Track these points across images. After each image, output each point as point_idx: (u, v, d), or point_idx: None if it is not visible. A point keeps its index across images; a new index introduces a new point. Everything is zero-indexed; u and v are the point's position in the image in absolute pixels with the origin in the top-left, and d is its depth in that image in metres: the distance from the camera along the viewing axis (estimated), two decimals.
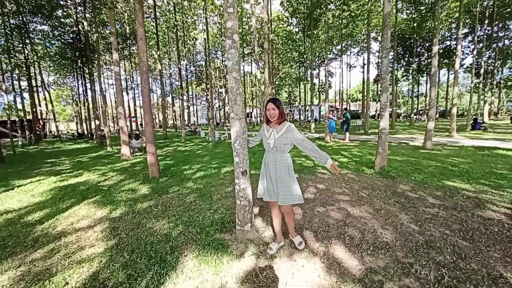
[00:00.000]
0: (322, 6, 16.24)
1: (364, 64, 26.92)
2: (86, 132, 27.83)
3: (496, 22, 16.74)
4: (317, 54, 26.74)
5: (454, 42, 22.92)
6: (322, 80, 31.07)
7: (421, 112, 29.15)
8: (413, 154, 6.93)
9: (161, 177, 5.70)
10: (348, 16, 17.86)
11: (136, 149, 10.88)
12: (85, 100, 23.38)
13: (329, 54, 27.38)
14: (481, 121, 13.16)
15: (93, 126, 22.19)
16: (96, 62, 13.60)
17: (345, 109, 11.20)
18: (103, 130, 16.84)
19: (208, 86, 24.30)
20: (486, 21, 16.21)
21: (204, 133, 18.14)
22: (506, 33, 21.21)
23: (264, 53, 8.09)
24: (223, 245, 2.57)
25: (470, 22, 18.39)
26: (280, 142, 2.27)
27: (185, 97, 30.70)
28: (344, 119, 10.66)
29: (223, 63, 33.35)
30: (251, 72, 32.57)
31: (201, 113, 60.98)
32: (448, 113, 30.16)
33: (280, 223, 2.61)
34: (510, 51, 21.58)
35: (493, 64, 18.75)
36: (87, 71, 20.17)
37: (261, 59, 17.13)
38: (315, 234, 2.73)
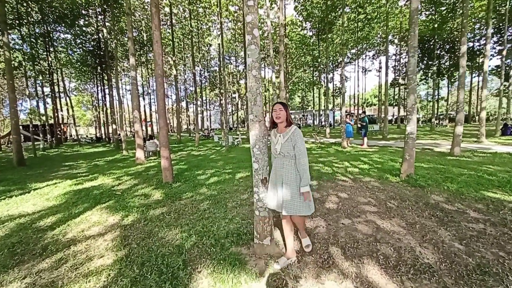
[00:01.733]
0: (337, 10, 15.96)
1: (380, 67, 26.23)
2: (104, 136, 28.67)
3: None
4: (331, 58, 26.30)
5: (477, 44, 21.85)
6: (336, 84, 30.52)
7: (441, 116, 27.86)
8: (440, 161, 6.42)
9: (174, 182, 5.56)
10: (364, 19, 17.44)
11: (150, 153, 10.93)
12: (104, 105, 24.13)
13: (344, 58, 26.88)
14: (511, 126, 12.25)
15: (110, 130, 22.79)
16: (114, 68, 13.97)
17: (363, 112, 10.74)
18: (119, 134, 17.21)
19: (222, 91, 24.48)
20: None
21: (217, 138, 18.12)
22: None
23: (280, 55, 7.90)
24: (240, 261, 2.33)
25: (496, 22, 17.39)
26: (287, 147, 2.16)
27: (199, 102, 31.09)
28: (363, 124, 10.20)
29: (237, 68, 33.57)
30: (265, 77, 32.53)
31: (214, 118, 61.64)
32: (472, 118, 28.64)
33: (293, 239, 2.44)
34: None
35: None
36: (106, 78, 20.85)
37: (275, 63, 17.03)
38: (343, 250, 2.43)
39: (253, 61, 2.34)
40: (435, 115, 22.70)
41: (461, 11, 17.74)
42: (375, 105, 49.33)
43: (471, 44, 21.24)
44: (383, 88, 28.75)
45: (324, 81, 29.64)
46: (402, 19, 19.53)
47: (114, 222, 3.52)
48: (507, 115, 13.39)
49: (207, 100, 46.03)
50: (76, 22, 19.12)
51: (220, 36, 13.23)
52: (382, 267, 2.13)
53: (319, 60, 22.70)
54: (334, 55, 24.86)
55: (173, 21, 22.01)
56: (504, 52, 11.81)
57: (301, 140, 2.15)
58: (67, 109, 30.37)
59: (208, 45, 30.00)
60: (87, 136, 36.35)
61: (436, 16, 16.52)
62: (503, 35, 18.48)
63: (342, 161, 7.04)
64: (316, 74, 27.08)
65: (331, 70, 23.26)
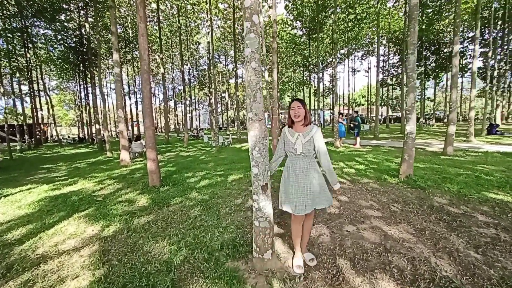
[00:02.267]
0: (328, 9, 15.93)
1: (369, 68, 26.56)
2: (87, 137, 27.49)
3: (507, 25, 16.25)
4: (321, 58, 26.41)
5: (460, 46, 22.47)
6: (326, 84, 30.68)
7: (427, 116, 28.59)
8: (435, 161, 6.37)
9: (162, 185, 5.18)
10: (353, 19, 17.51)
11: (136, 154, 10.40)
12: (87, 104, 23.09)
13: (333, 58, 27.06)
14: (496, 125, 12.58)
15: (94, 130, 21.82)
16: (97, 65, 13.28)
17: (356, 112, 10.68)
18: (103, 135, 16.43)
19: (211, 89, 23.97)
20: (499, 23, 15.75)
21: (207, 138, 17.66)
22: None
23: (273, 53, 7.65)
24: (237, 279, 2.04)
25: (480, 24, 17.95)
26: (309, 147, 2.05)
27: (187, 102, 30.41)
28: (356, 123, 10.12)
29: (226, 67, 33.12)
30: None
31: (203, 118, 60.79)
32: (457, 117, 29.55)
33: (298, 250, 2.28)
34: None
35: (504, 67, 18.23)
36: (89, 75, 19.91)
37: (267, 61, 16.78)
38: (352, 264, 2.19)
39: (253, 51, 2.05)
40: (423, 115, 23.21)
41: (446, 14, 18.21)
42: (363, 105, 50.18)
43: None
44: (372, 88, 29.22)
45: (314, 81, 29.76)
46: (391, 21, 19.79)
47: (93, 234, 3.13)
48: (491, 115, 13.76)
49: (196, 100, 45.25)
50: (57, 17, 18.13)
51: (210, 33, 12.82)
52: (399, 283, 1.90)
53: (309, 59, 22.67)
54: (324, 55, 24.94)
55: (160, 17, 21.34)
56: (490, 53, 12.12)
57: (323, 140, 2.08)
58: (48, 108, 28.94)
59: (197, 43, 29.39)
60: (69, 136, 34.75)
61: (423, 18, 16.81)
62: (485, 38, 19.14)
63: (337, 162, 6.86)
64: (306, 73, 27.09)
65: (321, 70, 23.28)
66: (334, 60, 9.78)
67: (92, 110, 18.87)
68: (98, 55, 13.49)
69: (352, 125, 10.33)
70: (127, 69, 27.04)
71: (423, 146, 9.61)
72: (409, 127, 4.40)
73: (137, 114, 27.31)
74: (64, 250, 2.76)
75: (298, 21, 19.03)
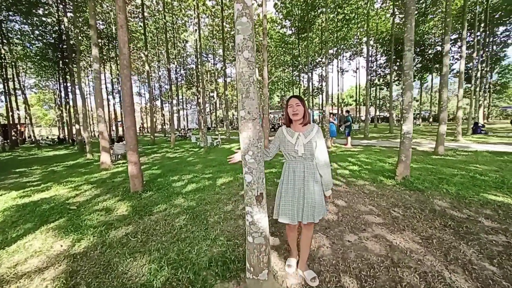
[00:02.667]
0: (317, 9, 15.86)
1: (357, 68, 26.85)
2: (67, 138, 26.19)
3: (488, 28, 16.79)
4: (310, 58, 26.49)
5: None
6: (315, 84, 30.76)
7: (416, 116, 29.28)
8: (427, 161, 6.30)
9: (144, 191, 4.77)
10: (342, 19, 17.55)
11: (119, 156, 9.83)
12: (67, 104, 21.92)
13: (322, 58, 27.15)
14: (481, 125, 12.92)
15: (74, 131, 20.75)
16: (77, 62, 12.52)
17: (347, 111, 10.59)
18: (83, 135, 15.58)
19: (200, 88, 23.41)
20: (482, 25, 16.22)
21: (195, 138, 17.14)
22: (493, 39, 21.49)
23: (263, 50, 7.36)
24: None
25: (461, 27, 18.49)
26: (310, 148, 1.88)
27: (174, 101, 29.63)
28: (348, 123, 10.00)
29: (215, 66, 32.58)
30: None
31: (191, 117, 59.75)
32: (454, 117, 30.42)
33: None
34: (499, 56, 21.98)
35: (485, 69, 18.87)
36: (69, 73, 18.89)
37: (258, 58, 16.48)
38: (359, 282, 1.93)
39: (245, 38, 1.74)
40: (402, 115, 23.67)
41: (431, 16, 18.63)
42: (350, 105, 50.95)
43: (439, 48, 22.40)
44: (360, 88, 29.59)
45: (303, 80, 29.80)
46: (378, 21, 20.03)
47: (61, 250, 2.72)
48: (475, 115, 14.13)
49: (184, 99, 44.28)
50: (34, 11, 17.05)
51: (198, 31, 12.40)
52: None
53: (298, 59, 22.60)
54: (313, 54, 24.95)
55: (146, 14, 20.58)
56: (475, 54, 12.41)
57: (323, 140, 1.93)
58: (25, 108, 27.35)
59: (184, 41, 28.69)
60: (47, 137, 33.02)
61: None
62: (467, 40, 19.71)
63: (330, 162, 6.66)
64: (295, 73, 27.04)
65: (311, 69, 23.29)
66: (325, 59, 9.62)
67: (72, 110, 17.93)
68: (77, 51, 12.73)
69: (345, 125, 10.21)
70: (111, 67, 25.95)
71: (413, 146, 9.62)
72: (406, 127, 4.24)
73: (121, 114, 26.28)
74: (24, 272, 2.35)
75: (287, 20, 18.88)
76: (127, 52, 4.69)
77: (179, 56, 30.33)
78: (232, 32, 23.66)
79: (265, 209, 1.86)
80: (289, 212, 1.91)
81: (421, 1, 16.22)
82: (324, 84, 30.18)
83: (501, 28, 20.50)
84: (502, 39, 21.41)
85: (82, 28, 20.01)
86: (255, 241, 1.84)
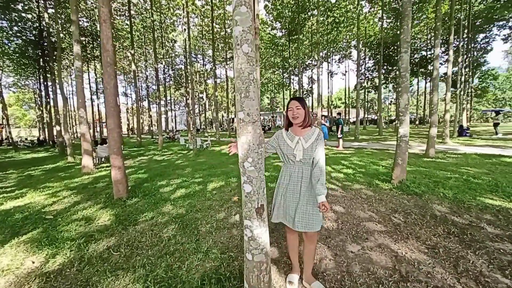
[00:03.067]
0: (307, 11, 15.91)
1: (346, 71, 27.24)
2: (47, 139, 24.95)
3: (470, 34, 17.40)
4: (300, 60, 26.68)
5: (430, 52, 23.86)
6: (304, 87, 30.97)
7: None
8: (420, 164, 6.31)
9: (129, 197, 4.45)
10: (332, 22, 17.70)
11: (103, 159, 9.34)
12: (47, 104, 20.86)
13: (312, 60, 27.38)
14: (466, 128, 13.33)
15: (55, 132, 19.77)
16: (58, 60, 11.87)
17: (339, 114, 10.59)
18: (64, 137, 14.82)
19: (189, 89, 22.95)
20: (465, 31, 16.82)
21: (183, 140, 16.70)
22: (474, 45, 22.40)
23: (255, 50, 7.17)
24: None
25: (445, 33, 19.12)
26: (310, 153, 1.78)
27: (162, 102, 28.91)
28: (340, 125, 9.97)
29: (204, 67, 32.14)
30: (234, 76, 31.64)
31: (179, 119, 58.78)
32: (425, 120, 31.42)
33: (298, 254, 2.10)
34: (479, 62, 22.96)
35: (468, 73, 19.60)
36: (50, 71, 17.97)
37: None
38: None
39: (244, 31, 1.54)
40: (398, 118, 24.22)
41: (416, 22, 19.14)
42: (339, 107, 51.75)
43: (423, 53, 23.14)
44: (349, 91, 30.04)
45: (293, 82, 29.91)
46: (367, 25, 20.36)
47: (33, 268, 2.40)
48: (459, 118, 14.57)
49: (172, 100, 43.38)
50: (12, 6, 16.11)
51: (187, 30, 12.05)
52: None
53: (289, 61, 22.63)
54: (303, 57, 25.09)
55: (132, 12, 19.98)
56: (460, 59, 12.81)
57: (323, 146, 1.82)
58: (1, 108, 25.84)
59: (173, 41, 28.13)
60: (26, 139, 31.34)
61: (397, 24, 17.46)
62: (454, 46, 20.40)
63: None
64: (285, 75, 27.08)
65: (301, 71, 23.40)
66: (316, 60, 9.57)
67: (53, 110, 17.05)
68: (58, 48, 12.07)
69: (337, 127, 10.16)
70: (95, 66, 25.04)
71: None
72: (403, 130, 4.17)
73: (105, 115, 25.33)
74: None
75: (278, 22, 18.85)
76: (111, 49, 4.38)
77: (167, 56, 29.69)
78: (222, 33, 23.42)
79: (266, 223, 1.66)
80: (287, 214, 1.85)
81: None
82: (313, 86, 30.47)
83: (481, 35, 21.48)
84: (482, 45, 22.45)
85: (64, 25, 19.16)
86: (254, 259, 1.63)
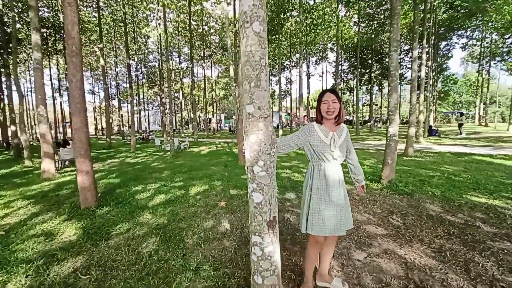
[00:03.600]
0: (286, 11, 15.95)
1: (322, 72, 27.93)
2: (1, 141, 22.26)
3: (434, 41, 18.70)
4: (277, 61, 26.80)
5: (400, 57, 25.25)
6: (282, 88, 31.18)
7: (377, 119, 31.55)
8: (401, 162, 6.48)
9: (99, 206, 3.90)
10: (310, 24, 17.96)
11: (67, 163, 8.39)
12: (1, 101, 18.56)
13: (290, 61, 27.66)
14: (435, 128, 14.26)
15: (10, 133, 17.63)
16: (13, 52, 10.50)
17: None
18: (21, 138, 13.21)
19: (163, 87, 21.91)
20: (432, 38, 18.03)
21: (159, 141, 15.78)
22: (438, 52, 24.22)
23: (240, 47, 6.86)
24: None
25: (411, 39, 20.39)
26: (343, 149, 1.70)
27: (135, 101, 27.30)
28: None
29: (180, 65, 30.98)
30: (211, 75, 30.89)
31: (153, 119, 56.16)
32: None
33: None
34: (442, 67, 24.94)
35: (434, 77, 21.16)
36: (3, 65, 15.98)
37: (225, 60, 15.89)
38: None
39: (255, 5, 1.25)
40: (373, 118, 25.34)
41: (389, 27, 20.13)
42: (315, 108, 53.02)
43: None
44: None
45: (271, 83, 29.96)
46: (342, 29, 21.00)
47: None
48: (428, 119, 15.56)
49: (145, 99, 41.25)
50: None
51: (164, 24, 11.34)
52: None
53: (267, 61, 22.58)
54: (281, 57, 25.22)
55: (101, 3, 18.52)
56: (429, 63, 13.67)
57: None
58: None
59: (146, 37, 26.71)
60: None
61: (372, 28, 18.20)
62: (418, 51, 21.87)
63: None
64: None
65: (279, 72, 23.49)
66: (299, 59, 9.52)
67: (7, 108, 15.17)
68: (14, 39, 10.70)
69: None
70: (58, 60, 22.88)
71: (383, 148, 10.04)
72: (392, 129, 4.15)
73: (70, 113, 23.27)
74: None
75: None
76: (77, 36, 3.81)
77: (140, 52, 28.13)
78: (199, 30, 22.69)
79: (277, 237, 1.39)
80: (327, 221, 1.59)
81: (380, 12, 17.40)
82: (291, 86, 30.83)
83: (444, 43, 23.38)
84: (444, 52, 24.46)
85: (22, 15, 17.19)
86: (265, 282, 1.35)
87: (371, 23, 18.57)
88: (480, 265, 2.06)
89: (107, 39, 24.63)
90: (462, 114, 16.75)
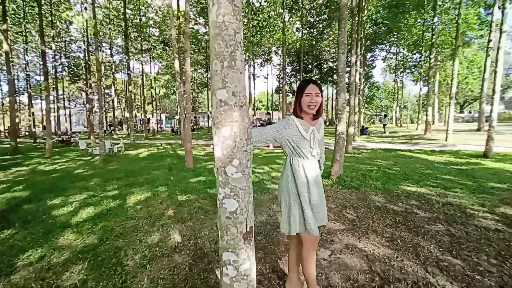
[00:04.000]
0: None
1: (267, 74, 28.86)
2: None
3: (362, 52, 21.50)
4: None
5: (333, 64, 28.13)
6: None
7: None
8: (344, 159, 7.01)
9: None
10: (256, 26, 18.28)
11: None
12: None
13: (248, 57, 27.73)
14: (366, 128, 16.28)
15: None
16: None
17: (268, 113, 10.87)
18: None
19: (92, 81, 18.96)
20: (363, 48, 20.65)
21: (84, 144, 13.37)
22: (365, 61, 28.05)
23: (186, 39, 6.28)
24: None
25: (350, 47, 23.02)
26: (322, 145, 1.64)
27: (52, 97, 22.80)
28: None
29: (112, 58, 27.44)
30: (150, 72, 28.25)
31: (76, 118, 48.07)
32: (331, 121, 36.92)
33: None
34: (368, 75, 29.13)
35: (363, 83, 24.38)
36: None
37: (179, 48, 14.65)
38: None
39: None
40: (336, 116, 27.48)
41: (338, 31, 22.16)
42: (260, 109, 54.63)
43: (330, 64, 27.14)
44: (269, 94, 31.90)
45: None
46: (286, 33, 22.13)
47: None
48: (360, 120, 17.71)
49: (65, 95, 34.95)
50: None
51: (92, 7, 9.62)
52: None
53: None
54: None
55: None
56: (362, 70, 15.59)
57: None
58: None
59: (68, 22, 22.73)
60: None
61: (312, 36, 19.65)
62: (349, 60, 24.87)
63: (261, 165, 6.40)
64: (208, 74, 26.31)
65: None
66: (249, 58, 9.46)
67: None
68: None
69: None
70: None
71: (327, 146, 10.84)
72: (341, 127, 4.39)
73: None
74: None
75: (201, 17, 17.98)
76: None
77: (60, 40, 23.77)
78: (135, 20, 20.50)
79: (254, 252, 1.14)
80: (306, 220, 1.46)
81: (319, 21, 19.01)
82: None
83: (369, 54, 27.28)
84: (369, 62, 28.57)
85: None
86: None
87: (311, 30, 20.06)
88: (426, 248, 2.25)
89: (14, 21, 19.93)
90: (386, 116, 19.67)
